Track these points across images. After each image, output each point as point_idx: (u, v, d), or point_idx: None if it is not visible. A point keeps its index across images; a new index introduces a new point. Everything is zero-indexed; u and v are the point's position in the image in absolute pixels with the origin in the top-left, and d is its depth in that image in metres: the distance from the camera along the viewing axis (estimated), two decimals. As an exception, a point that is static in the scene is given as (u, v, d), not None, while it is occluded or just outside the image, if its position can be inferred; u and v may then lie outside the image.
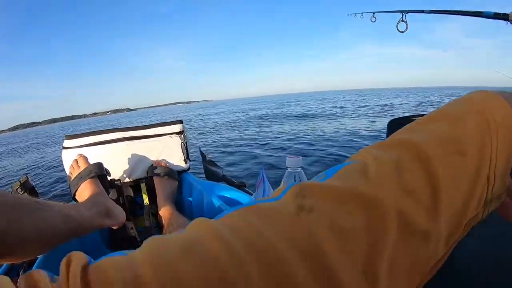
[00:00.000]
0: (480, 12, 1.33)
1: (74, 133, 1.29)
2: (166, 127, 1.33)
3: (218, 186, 1.21)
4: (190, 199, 1.23)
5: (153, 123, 1.35)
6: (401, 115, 0.59)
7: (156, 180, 1.20)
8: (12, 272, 0.79)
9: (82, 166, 1.03)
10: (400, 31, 1.80)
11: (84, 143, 1.25)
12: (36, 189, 1.00)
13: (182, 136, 1.33)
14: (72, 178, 1.00)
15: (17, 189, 0.90)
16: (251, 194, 1.16)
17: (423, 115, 0.55)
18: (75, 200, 0.98)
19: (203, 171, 1.73)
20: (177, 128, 1.33)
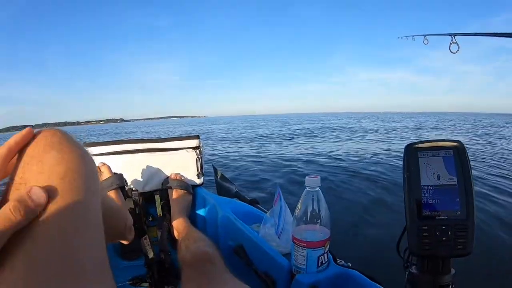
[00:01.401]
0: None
1: (93, 141, 1.32)
2: (183, 141, 1.35)
3: (231, 202, 1.22)
4: (204, 213, 1.25)
5: (171, 136, 1.37)
6: (415, 140, 0.60)
7: (171, 192, 1.22)
8: None
9: (105, 175, 1.06)
10: (452, 52, 1.84)
11: (103, 152, 1.27)
12: None
13: (198, 151, 1.35)
14: None
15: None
16: (264, 211, 1.17)
17: (438, 140, 0.57)
18: None
19: (215, 186, 1.75)
20: (194, 143, 1.36)
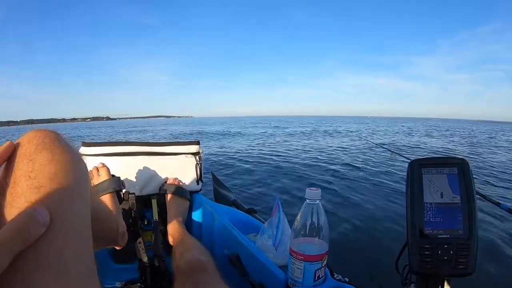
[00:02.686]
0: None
1: (92, 141, 1.31)
2: (183, 146, 1.34)
3: (229, 210, 1.21)
4: (200, 220, 1.23)
5: (171, 141, 1.37)
6: (420, 157, 0.59)
7: (168, 197, 1.21)
8: None
9: (103, 177, 1.05)
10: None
11: (101, 153, 1.26)
12: None
13: (198, 157, 1.35)
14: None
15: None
16: (261, 221, 1.16)
17: (442, 157, 0.56)
18: None
19: (213, 193, 1.74)
20: (194, 148, 1.35)
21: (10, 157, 0.36)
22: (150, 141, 1.37)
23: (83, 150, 1.27)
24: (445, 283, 0.52)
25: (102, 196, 0.99)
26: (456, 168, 0.54)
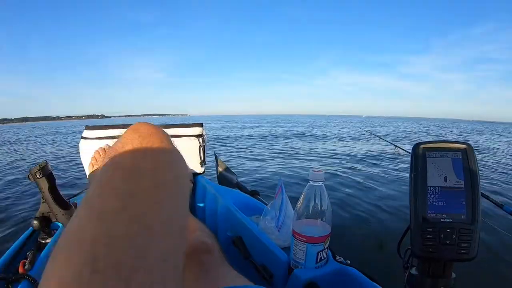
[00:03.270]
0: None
1: (95, 124, 1.31)
2: (187, 128, 1.34)
3: (232, 192, 1.22)
4: (203, 202, 1.24)
5: (175, 123, 1.36)
6: (424, 141, 0.59)
7: None
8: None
9: None
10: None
11: (103, 136, 1.26)
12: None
13: (201, 139, 1.34)
14: (96, 169, 1.02)
15: (35, 173, 0.90)
16: (265, 203, 1.16)
17: (447, 141, 0.55)
18: None
19: (216, 175, 1.74)
20: (197, 131, 1.35)
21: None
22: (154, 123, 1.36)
23: (86, 133, 1.27)
24: (447, 267, 0.52)
25: None
26: (461, 153, 0.53)
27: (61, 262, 0.23)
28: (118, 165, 0.30)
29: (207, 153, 1.44)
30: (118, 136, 1.26)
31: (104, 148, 1.09)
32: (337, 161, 5.26)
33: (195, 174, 1.32)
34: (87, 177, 1.27)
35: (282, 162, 5.31)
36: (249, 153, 6.44)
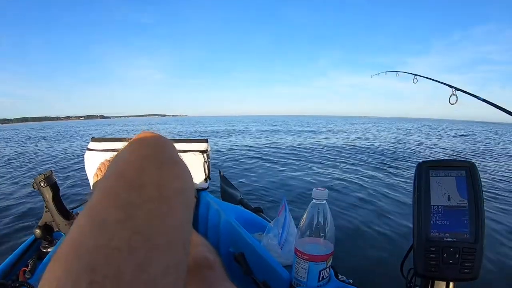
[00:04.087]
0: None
1: (100, 136, 1.33)
2: (192, 144, 1.35)
3: (235, 208, 1.22)
4: (206, 218, 1.24)
5: (180, 138, 1.38)
6: (428, 159, 0.59)
7: None
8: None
9: None
10: (451, 103, 1.86)
11: (109, 148, 1.27)
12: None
13: (205, 155, 1.35)
14: (99, 179, 1.05)
15: (40, 182, 0.91)
16: (268, 220, 1.16)
17: (450, 160, 0.56)
18: None
19: (220, 191, 1.75)
20: (202, 146, 1.36)
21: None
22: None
23: (91, 145, 1.28)
24: (450, 287, 0.51)
25: None
26: (465, 171, 0.53)
27: (59, 270, 0.23)
28: (122, 174, 0.29)
29: (212, 170, 1.44)
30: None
31: (109, 160, 1.10)
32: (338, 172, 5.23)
33: (199, 190, 1.32)
34: (91, 187, 1.28)
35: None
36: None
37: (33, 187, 0.90)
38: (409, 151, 8.64)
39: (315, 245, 0.70)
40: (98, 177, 1.06)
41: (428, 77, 2.39)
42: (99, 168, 1.09)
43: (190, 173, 0.35)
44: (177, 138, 1.36)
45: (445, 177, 0.54)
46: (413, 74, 2.54)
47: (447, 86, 1.93)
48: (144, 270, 0.23)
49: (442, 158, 0.57)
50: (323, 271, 0.71)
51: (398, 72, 2.93)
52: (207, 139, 1.38)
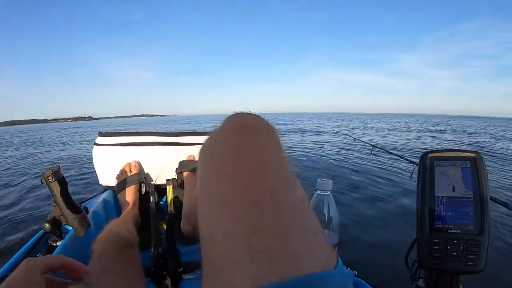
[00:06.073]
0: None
1: (108, 131, 1.34)
2: (199, 137, 1.35)
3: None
4: None
5: (187, 131, 1.38)
6: (432, 149, 0.58)
7: (186, 175, 1.21)
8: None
9: (134, 170, 1.22)
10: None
11: (116, 142, 1.28)
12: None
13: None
14: (121, 179, 1.21)
15: (48, 177, 0.92)
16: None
17: (455, 150, 0.54)
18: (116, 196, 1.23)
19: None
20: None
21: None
22: (166, 131, 1.38)
23: (99, 140, 1.29)
24: (454, 280, 0.50)
25: (128, 187, 1.17)
26: (469, 162, 0.52)
27: (224, 217, 0.27)
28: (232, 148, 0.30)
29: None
30: (131, 143, 1.28)
31: (130, 165, 1.26)
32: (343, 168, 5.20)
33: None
34: (99, 182, 1.29)
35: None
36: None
37: (42, 182, 0.91)
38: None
39: (319, 236, 0.70)
40: (122, 175, 1.23)
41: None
42: (124, 169, 1.27)
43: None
44: (183, 131, 1.36)
45: (450, 168, 0.53)
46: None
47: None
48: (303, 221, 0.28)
49: (446, 148, 0.55)
50: (328, 263, 0.70)
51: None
52: None
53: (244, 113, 0.34)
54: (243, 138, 0.30)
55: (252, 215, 0.26)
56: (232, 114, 0.34)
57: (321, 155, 6.54)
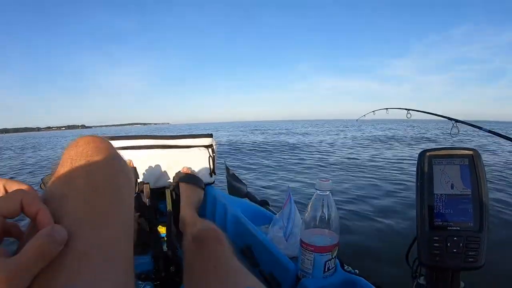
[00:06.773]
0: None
1: (109, 135, 1.34)
2: (196, 139, 1.35)
3: (241, 202, 1.22)
4: (213, 212, 1.24)
5: (185, 134, 1.38)
6: (431, 148, 0.58)
7: (182, 186, 1.21)
8: None
9: None
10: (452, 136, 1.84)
11: (122, 146, 1.29)
12: None
13: (211, 149, 1.35)
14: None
15: (46, 182, 0.92)
16: (274, 213, 1.16)
17: (453, 147, 0.55)
18: None
19: (226, 185, 1.75)
20: (207, 141, 1.36)
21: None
22: (163, 134, 1.38)
23: None
24: (455, 276, 0.51)
25: None
26: (468, 159, 0.53)
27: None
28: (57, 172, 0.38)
29: (217, 163, 1.44)
30: (129, 146, 1.28)
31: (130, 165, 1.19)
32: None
33: (205, 184, 1.33)
34: None
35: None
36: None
37: (41, 187, 0.91)
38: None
39: (320, 236, 0.70)
40: None
41: (424, 111, 2.31)
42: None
43: (125, 163, 0.45)
44: (181, 134, 1.37)
45: (448, 165, 0.53)
46: (406, 109, 2.44)
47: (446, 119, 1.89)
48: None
49: (444, 146, 0.56)
50: (329, 262, 0.71)
51: (388, 109, 2.83)
52: (211, 134, 1.39)
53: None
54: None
55: None
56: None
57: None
